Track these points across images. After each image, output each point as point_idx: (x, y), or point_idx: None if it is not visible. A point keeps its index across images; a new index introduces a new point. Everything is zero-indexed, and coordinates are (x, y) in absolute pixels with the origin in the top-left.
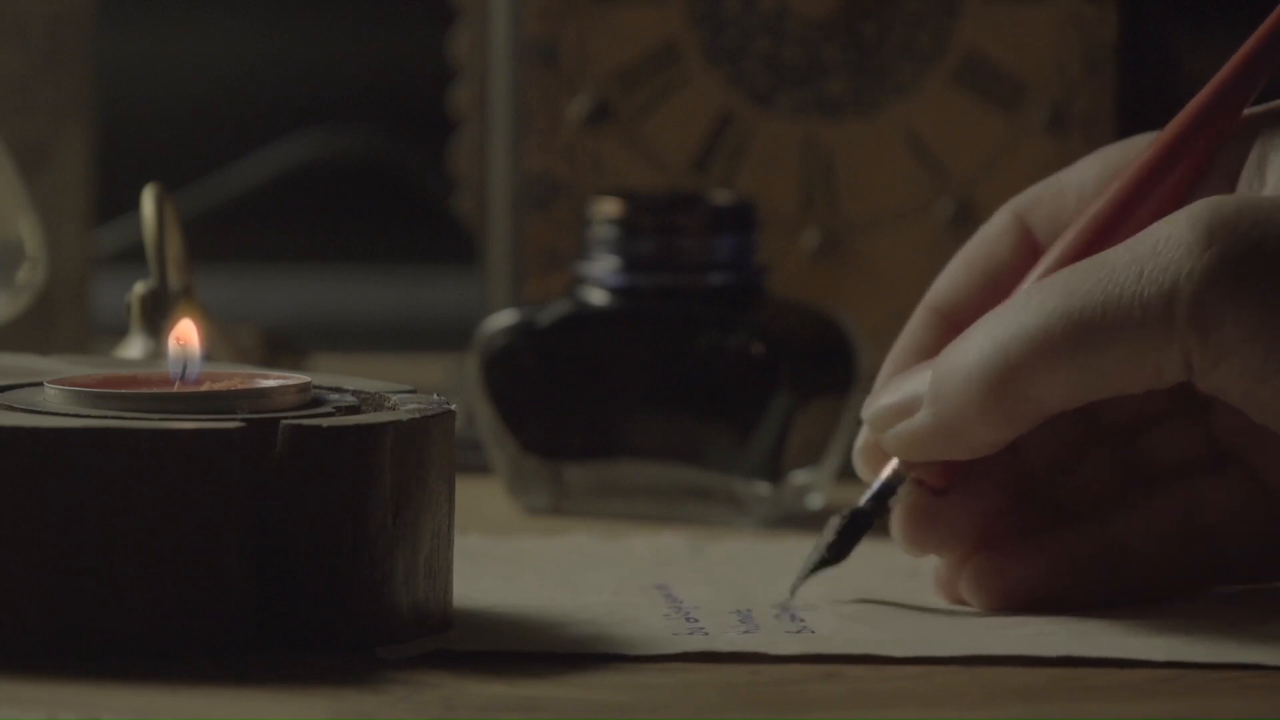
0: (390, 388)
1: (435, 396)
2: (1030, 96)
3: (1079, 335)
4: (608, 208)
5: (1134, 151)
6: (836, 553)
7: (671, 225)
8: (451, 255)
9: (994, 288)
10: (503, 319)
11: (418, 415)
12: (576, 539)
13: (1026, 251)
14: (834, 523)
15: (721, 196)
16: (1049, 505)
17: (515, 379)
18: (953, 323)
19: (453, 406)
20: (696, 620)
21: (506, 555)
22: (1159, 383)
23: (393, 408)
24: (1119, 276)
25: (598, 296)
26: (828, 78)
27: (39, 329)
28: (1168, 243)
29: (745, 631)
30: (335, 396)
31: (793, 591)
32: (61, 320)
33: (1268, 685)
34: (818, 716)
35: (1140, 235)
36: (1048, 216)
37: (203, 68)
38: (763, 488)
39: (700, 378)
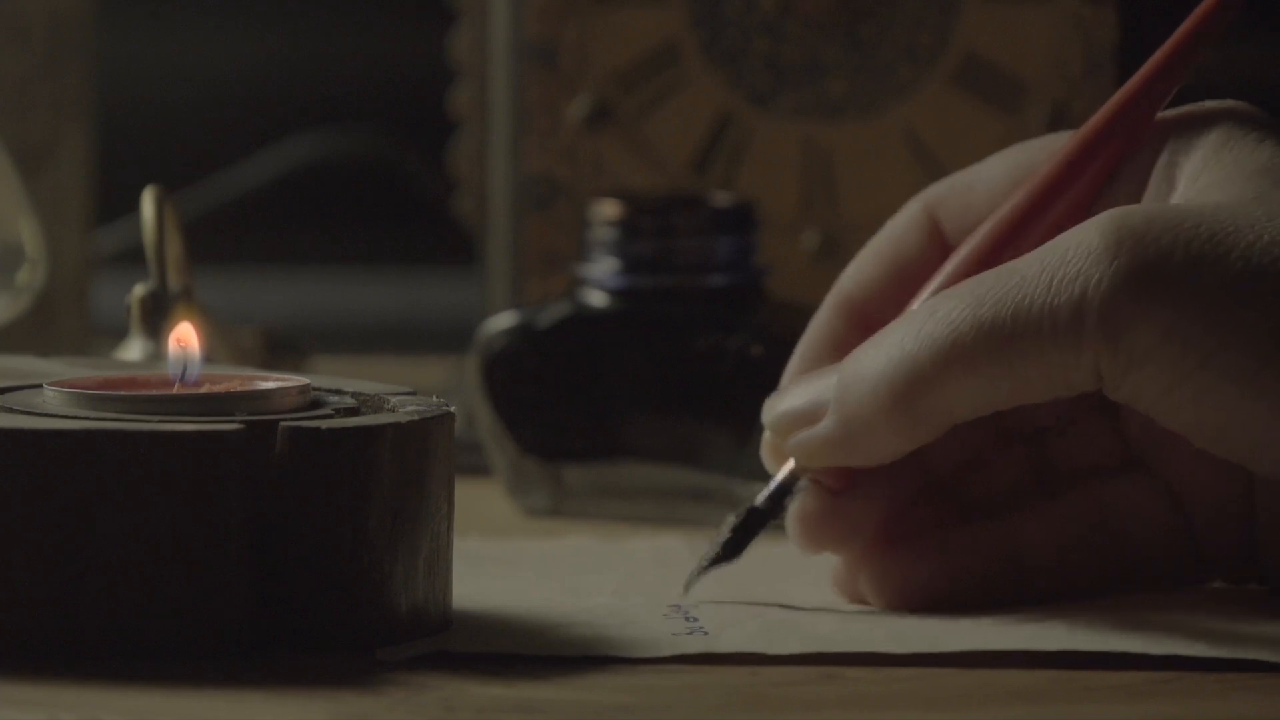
0: (390, 389)
1: (435, 398)
2: (1030, 97)
3: (988, 345)
4: (607, 209)
5: (1048, 149)
6: (731, 550)
7: (671, 227)
8: (451, 256)
9: (902, 281)
10: (502, 320)
11: (417, 417)
12: (576, 540)
13: (935, 246)
14: (730, 520)
15: (721, 198)
16: (953, 505)
17: (515, 381)
18: (861, 314)
19: (452, 408)
20: (696, 619)
21: (506, 557)
22: (1068, 391)
23: (392, 409)
24: (1028, 285)
25: (598, 298)
26: (827, 79)
27: (39, 330)
28: (1076, 251)
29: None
30: (334, 398)
31: (687, 588)
32: (61, 322)
33: (1266, 686)
34: (818, 718)
35: (1050, 244)
36: (957, 212)
37: (203, 69)
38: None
39: (700, 379)
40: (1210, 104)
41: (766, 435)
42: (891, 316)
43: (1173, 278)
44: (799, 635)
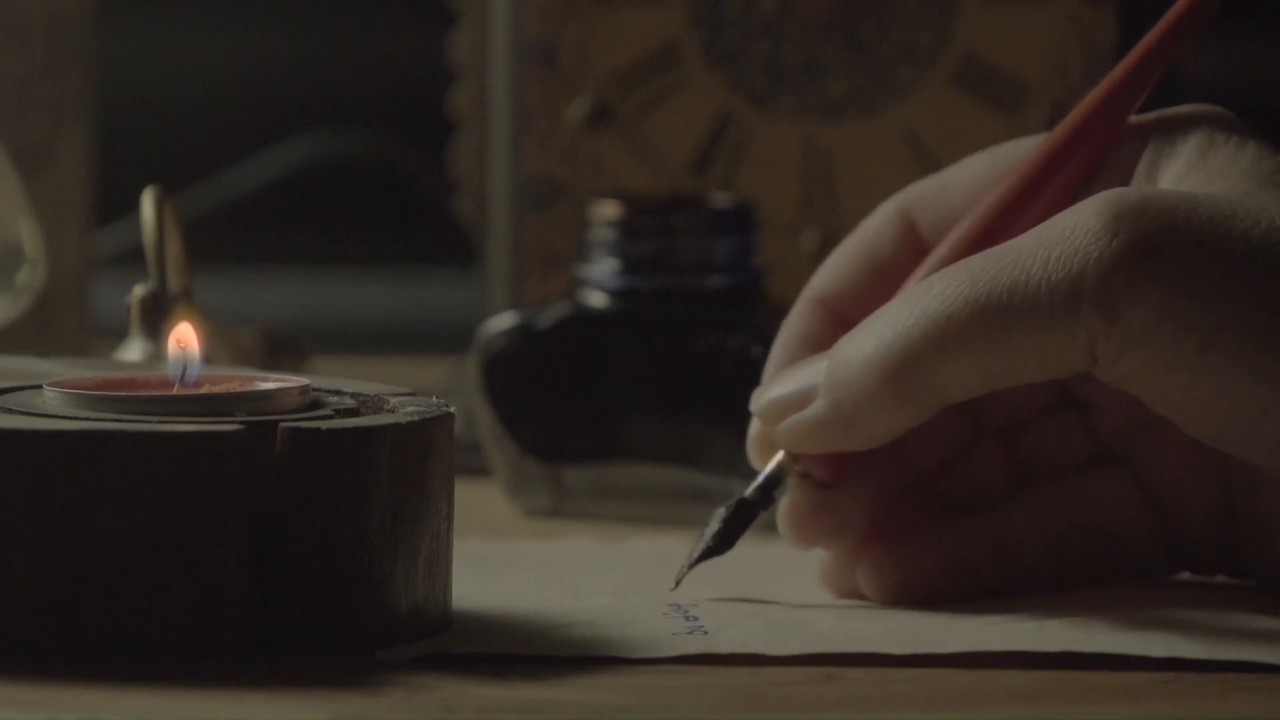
0: (389, 390)
1: (434, 399)
2: (1030, 98)
3: (983, 322)
4: (607, 210)
5: (1022, 151)
6: (722, 542)
7: (671, 227)
8: (451, 257)
9: (877, 281)
10: (502, 321)
11: (417, 418)
12: (576, 541)
13: (909, 246)
14: (719, 513)
15: (721, 198)
16: (937, 500)
17: (515, 381)
18: (835, 314)
19: (452, 409)
20: (696, 619)
21: (506, 557)
22: (1062, 371)
23: (392, 410)
24: (1024, 263)
25: (597, 299)
26: (827, 79)
27: (38, 331)
28: (1074, 230)
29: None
30: (334, 399)
31: (677, 582)
32: (61, 322)
33: (1265, 687)
34: (818, 718)
35: (1046, 223)
36: (932, 212)
37: (203, 69)
38: None
39: (700, 380)
40: (1185, 108)
41: (753, 428)
42: (866, 315)
43: (1173, 256)
44: (799, 634)
